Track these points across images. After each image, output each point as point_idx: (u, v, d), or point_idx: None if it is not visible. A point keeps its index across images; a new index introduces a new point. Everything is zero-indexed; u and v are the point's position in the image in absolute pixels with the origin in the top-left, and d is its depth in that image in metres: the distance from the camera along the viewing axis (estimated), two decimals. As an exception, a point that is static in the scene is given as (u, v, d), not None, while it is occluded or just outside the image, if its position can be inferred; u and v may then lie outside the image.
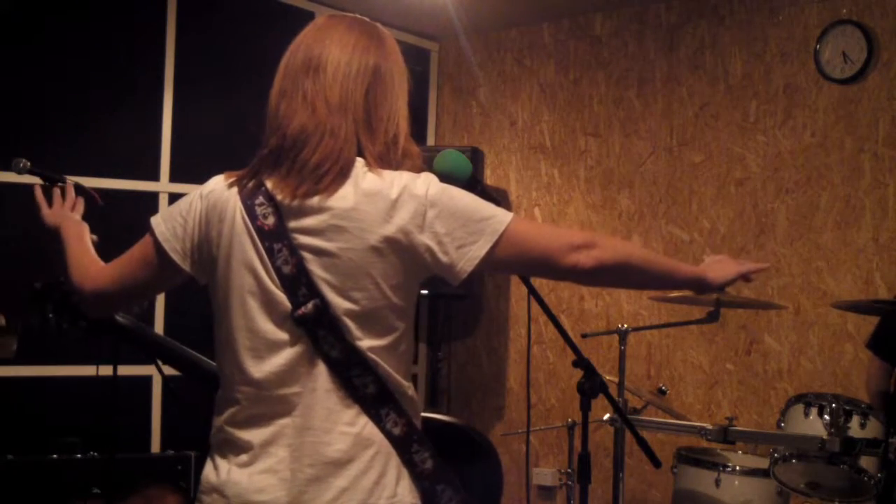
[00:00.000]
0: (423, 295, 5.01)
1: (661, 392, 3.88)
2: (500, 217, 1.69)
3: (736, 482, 3.41)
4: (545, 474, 4.90)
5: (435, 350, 5.25)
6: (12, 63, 4.04)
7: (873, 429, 3.04)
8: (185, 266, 1.80)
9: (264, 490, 1.65)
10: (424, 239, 1.65)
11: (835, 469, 3.03)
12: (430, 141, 5.45)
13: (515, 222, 1.69)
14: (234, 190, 1.73)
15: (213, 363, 1.81)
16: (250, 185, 1.72)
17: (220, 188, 1.76)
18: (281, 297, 1.67)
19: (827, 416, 3.06)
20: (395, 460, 1.68)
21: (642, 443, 2.13)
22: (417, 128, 5.35)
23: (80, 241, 2.02)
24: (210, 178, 1.81)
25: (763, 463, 3.33)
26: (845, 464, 2.98)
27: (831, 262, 4.14)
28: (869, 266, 4.04)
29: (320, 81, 1.71)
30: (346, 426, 1.66)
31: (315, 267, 1.66)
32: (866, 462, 2.99)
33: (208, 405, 1.80)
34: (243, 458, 1.69)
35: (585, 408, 2.09)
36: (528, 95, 5.14)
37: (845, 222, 4.11)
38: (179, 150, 4.41)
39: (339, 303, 1.65)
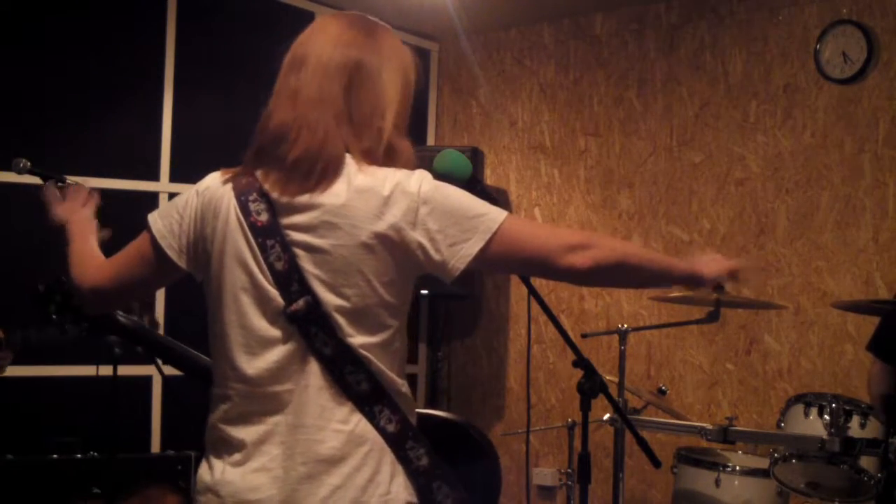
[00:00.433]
0: (423, 295, 5.01)
1: (661, 392, 3.88)
2: (494, 215, 1.68)
3: (736, 482, 3.41)
4: (545, 474, 4.90)
5: (435, 350, 5.25)
6: (12, 63, 4.04)
7: (873, 429, 3.03)
8: (182, 263, 1.81)
9: (258, 489, 1.65)
10: (416, 236, 1.64)
11: (835, 469, 3.03)
12: (430, 141, 5.45)
13: (509, 221, 1.68)
14: (229, 186, 1.74)
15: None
16: (244, 181, 1.72)
17: (215, 185, 1.77)
18: (273, 293, 1.67)
19: (827, 416, 3.05)
20: (389, 457, 1.67)
21: (642, 443, 2.13)
22: (417, 128, 5.38)
23: (84, 238, 2.01)
24: None
25: (763, 463, 3.33)
26: (845, 464, 2.98)
27: (831, 262, 4.14)
28: (869, 266, 4.04)
29: (301, 77, 1.72)
30: (339, 423, 1.65)
31: (307, 263, 1.66)
32: (866, 462, 2.99)
33: (209, 405, 1.80)
34: (237, 456, 1.69)
35: (585, 408, 2.08)
36: (528, 95, 5.14)
37: (845, 222, 4.11)
38: (179, 150, 4.41)
39: (330, 299, 1.65)
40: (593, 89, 4.91)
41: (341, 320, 1.65)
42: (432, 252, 1.65)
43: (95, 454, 3.62)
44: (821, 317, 4.14)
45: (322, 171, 1.66)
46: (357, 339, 1.66)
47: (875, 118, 4.06)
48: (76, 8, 4.21)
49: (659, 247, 4.59)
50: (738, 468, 3.42)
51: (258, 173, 1.72)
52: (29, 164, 2.55)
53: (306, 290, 1.65)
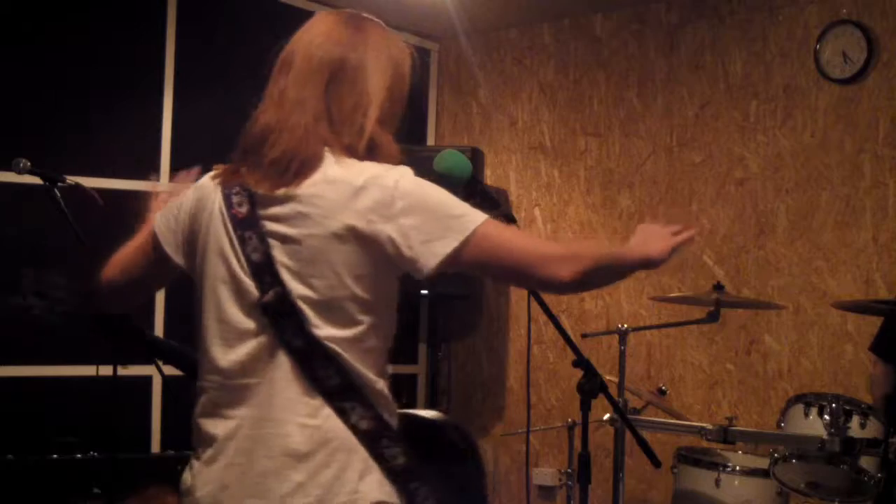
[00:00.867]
0: (424, 295, 5.01)
1: (661, 392, 3.88)
2: (472, 217, 1.66)
3: (736, 482, 3.41)
4: (545, 474, 4.89)
5: (435, 350, 5.25)
6: (12, 63, 4.04)
7: (873, 429, 3.03)
8: (178, 258, 1.83)
9: (228, 486, 1.64)
10: (388, 230, 1.62)
11: (835, 469, 3.03)
12: (430, 141, 5.45)
13: (488, 225, 1.66)
14: (218, 182, 1.76)
15: None
16: (231, 177, 1.74)
17: (207, 181, 1.80)
18: (249, 284, 1.67)
19: (827, 416, 3.05)
20: (360, 455, 1.63)
21: (642, 443, 2.13)
22: (417, 128, 5.38)
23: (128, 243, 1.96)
24: None
25: (763, 463, 3.33)
26: (845, 464, 2.98)
27: (831, 262, 4.14)
28: (869, 266, 4.04)
29: (288, 79, 1.74)
30: (305, 418, 1.63)
31: (279, 254, 1.66)
32: (866, 462, 2.99)
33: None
34: (209, 452, 1.68)
35: (585, 408, 2.09)
36: (528, 95, 5.14)
37: (845, 222, 4.11)
38: (179, 150, 4.41)
39: (297, 289, 1.64)
40: (593, 89, 4.91)
41: (308, 311, 1.64)
42: (403, 248, 1.62)
43: (95, 454, 3.62)
44: (821, 317, 4.13)
45: (298, 167, 1.66)
46: (324, 332, 1.64)
47: (875, 118, 4.05)
48: (76, 8, 4.21)
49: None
50: (738, 468, 3.42)
51: (243, 170, 1.74)
52: (29, 164, 2.56)
53: (277, 280, 1.65)
